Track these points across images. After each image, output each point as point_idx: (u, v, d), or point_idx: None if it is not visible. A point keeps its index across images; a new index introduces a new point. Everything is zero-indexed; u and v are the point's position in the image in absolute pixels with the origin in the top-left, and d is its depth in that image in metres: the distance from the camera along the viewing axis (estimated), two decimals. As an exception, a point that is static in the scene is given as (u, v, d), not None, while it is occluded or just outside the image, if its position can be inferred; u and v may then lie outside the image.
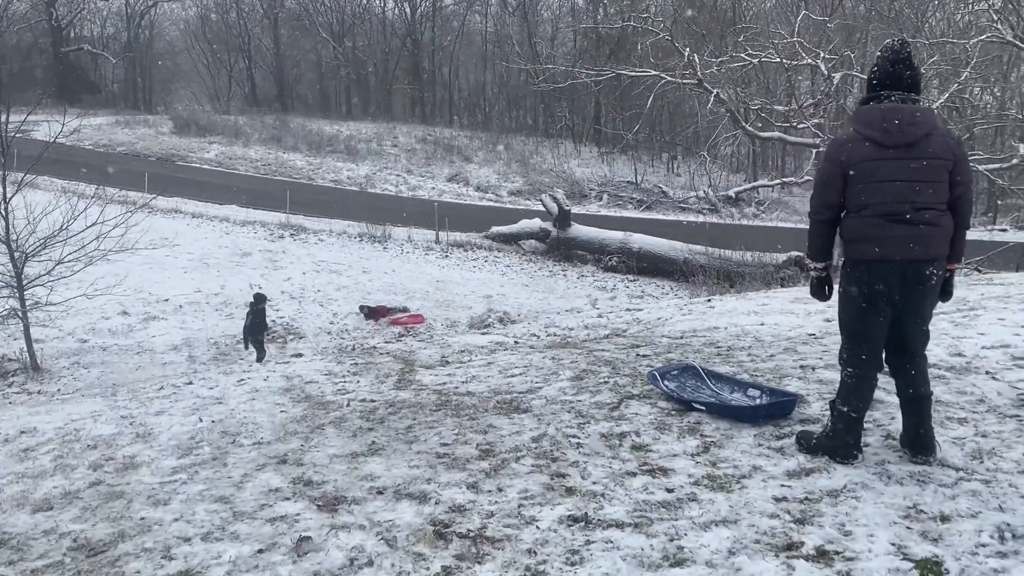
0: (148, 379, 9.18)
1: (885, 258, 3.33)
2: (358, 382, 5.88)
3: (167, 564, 3.10)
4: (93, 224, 11.42)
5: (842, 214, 3.47)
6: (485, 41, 49.78)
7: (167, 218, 21.05)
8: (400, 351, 7.40)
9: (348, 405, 5.17)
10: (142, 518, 3.55)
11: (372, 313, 14.04)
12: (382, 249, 20.33)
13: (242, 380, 6.47)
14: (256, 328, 11.87)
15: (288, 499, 3.62)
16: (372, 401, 5.24)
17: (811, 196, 3.59)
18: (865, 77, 3.58)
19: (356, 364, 6.65)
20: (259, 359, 11.55)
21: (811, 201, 3.56)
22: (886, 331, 3.48)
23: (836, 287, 3.64)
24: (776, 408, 4.28)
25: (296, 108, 46.25)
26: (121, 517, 3.58)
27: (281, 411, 5.21)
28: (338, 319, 14.14)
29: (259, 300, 12.11)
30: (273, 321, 13.49)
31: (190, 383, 6.62)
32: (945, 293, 3.51)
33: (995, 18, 24.22)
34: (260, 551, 3.13)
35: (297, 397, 5.58)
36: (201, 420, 5.12)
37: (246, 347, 11.91)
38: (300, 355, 10.91)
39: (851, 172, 3.35)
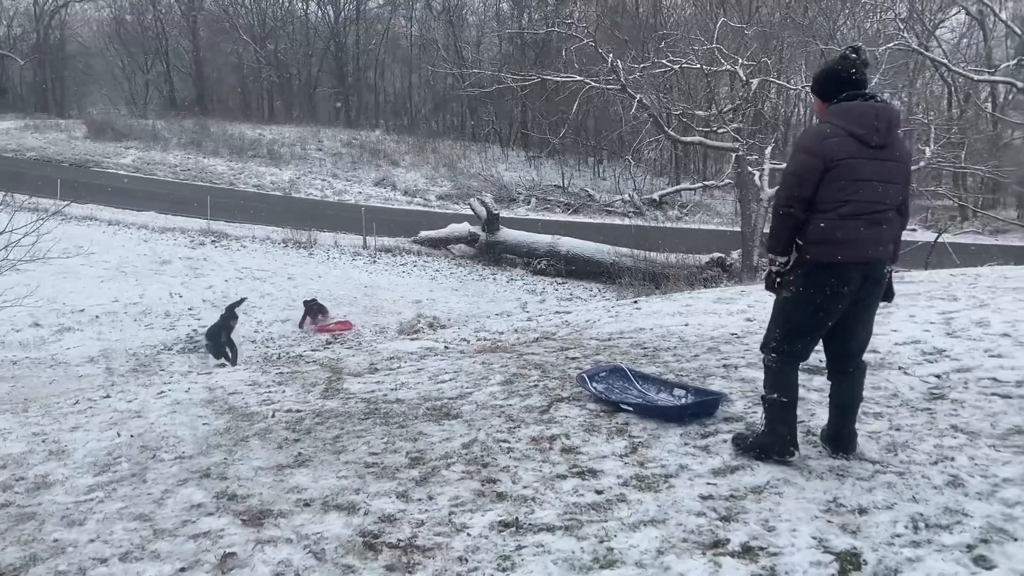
0: (62, 393, 8.78)
1: (856, 260, 3.31)
2: (283, 392, 5.76)
3: (83, 587, 2.98)
4: (1, 232, 10.89)
5: (810, 213, 3.35)
6: (411, 45, 49.51)
7: (82, 226, 20.24)
8: (327, 359, 7.29)
9: (273, 416, 5.06)
10: (55, 540, 3.39)
11: (313, 311, 13.84)
12: (308, 255, 20.00)
13: (162, 392, 6.26)
14: (222, 332, 11.89)
15: (211, 514, 3.52)
16: (298, 411, 5.14)
17: (779, 189, 3.46)
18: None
19: (281, 373, 6.51)
20: (226, 358, 11.64)
21: (779, 194, 3.43)
22: (825, 330, 3.48)
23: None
24: (701, 407, 4.36)
25: (217, 112, 45.07)
26: (33, 540, 3.42)
27: (204, 424, 5.07)
28: (263, 327, 13.83)
29: (232, 316, 12.16)
30: (195, 331, 13.12)
31: (107, 397, 6.37)
32: (889, 292, 3.57)
33: (901, 27, 25.31)
34: (182, 570, 3.02)
35: (220, 409, 5.43)
36: (119, 435, 4.94)
37: (217, 355, 11.77)
38: (223, 365, 10.64)
39: (831, 168, 3.26)
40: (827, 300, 3.35)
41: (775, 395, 3.53)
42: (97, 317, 13.88)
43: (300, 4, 49.98)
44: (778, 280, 3.44)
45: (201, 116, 41.86)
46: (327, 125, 43.51)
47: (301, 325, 13.84)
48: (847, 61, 3.40)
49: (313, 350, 11.40)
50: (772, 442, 3.56)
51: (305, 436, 4.57)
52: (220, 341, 11.76)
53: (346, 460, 4.08)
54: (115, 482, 4.06)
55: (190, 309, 14.30)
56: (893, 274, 3.56)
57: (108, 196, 24.05)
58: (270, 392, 5.81)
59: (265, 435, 4.65)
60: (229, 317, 12.04)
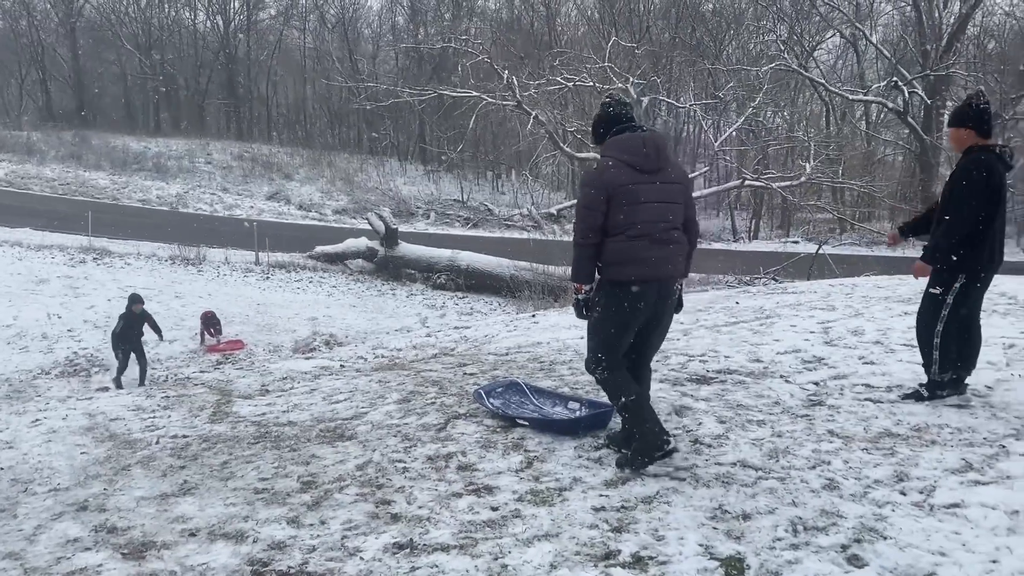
0: (-76, 425, 8.18)
1: (648, 278, 3.61)
2: (169, 417, 5.54)
3: (-58, 636, 2.77)
4: None
5: (602, 239, 3.65)
6: (304, 56, 48.65)
7: (-53, 244, 18.96)
8: (216, 381, 7.06)
9: (157, 442, 4.85)
10: (-89, 586, 3.16)
11: (211, 323, 13.38)
12: (196, 272, 19.29)
13: (37, 420, 5.92)
14: (130, 336, 11.03)
15: (89, 549, 3.34)
16: (184, 437, 4.95)
17: (574, 224, 3.74)
18: (597, 122, 3.86)
19: (167, 397, 6.26)
20: (142, 375, 11.00)
21: (575, 228, 3.70)
22: (630, 341, 3.80)
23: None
24: (595, 419, 4.44)
25: (98, 124, 43.01)
26: None
27: (82, 452, 4.81)
28: (148, 348, 13.25)
29: (133, 301, 11.19)
30: (75, 353, 12.45)
31: (-26, 427, 5.97)
32: (679, 304, 3.93)
33: (782, 48, 26.65)
34: (55, 611, 2.86)
35: (100, 436, 5.17)
36: (-14, 468, 4.63)
37: (120, 361, 10.99)
38: (106, 389, 10.12)
39: (614, 196, 3.56)
40: (627, 315, 3.66)
41: (623, 399, 3.73)
42: (-35, 341, 12.99)
43: (188, 13, 48.44)
44: (584, 307, 3.79)
45: (81, 128, 39.85)
46: (217, 137, 42.21)
47: (202, 340, 13.42)
48: (606, 107, 3.81)
49: (202, 371, 11.02)
50: (647, 443, 3.68)
51: (191, 463, 4.40)
52: (114, 347, 11.13)
53: (234, 487, 3.95)
54: (-19, 520, 3.80)
55: (70, 330, 13.56)
56: (682, 289, 3.93)
57: (-23, 212, 22.60)
58: (155, 417, 5.58)
59: (148, 463, 4.45)
60: (129, 316, 11.09)
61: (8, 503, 4.01)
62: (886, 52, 30.44)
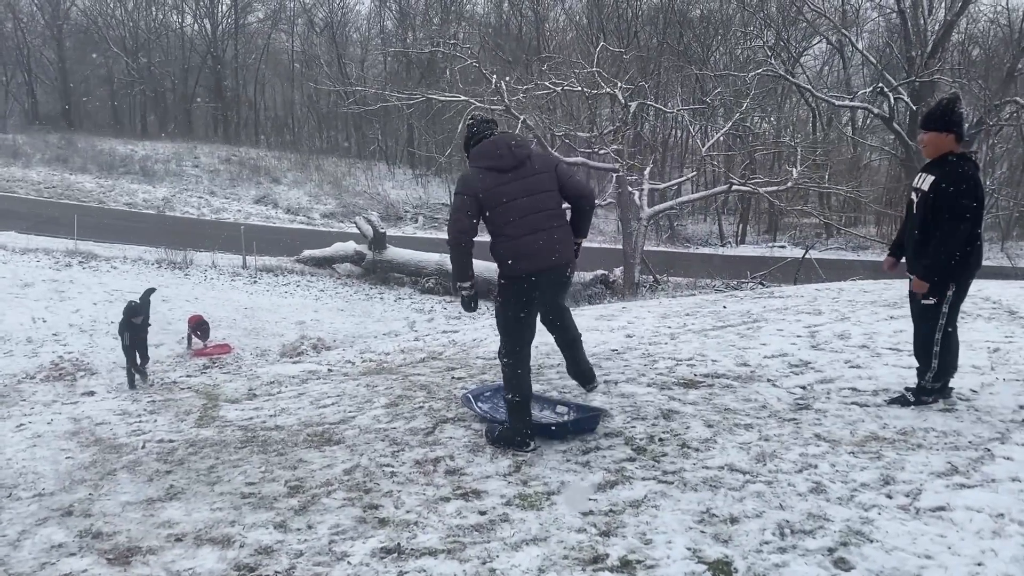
0: (-94, 430, 8.10)
1: (536, 270, 4.00)
2: (155, 421, 5.50)
3: (-76, 643, 2.74)
4: None
5: (490, 239, 4.08)
6: (292, 60, 48.59)
7: (-70, 247, 18.80)
8: (203, 385, 7.01)
9: (143, 447, 4.82)
10: None
11: (199, 327, 13.26)
12: (183, 276, 19.18)
13: (22, 425, 5.87)
14: (140, 344, 10.61)
15: (73, 555, 3.32)
16: (171, 441, 4.92)
17: (448, 228, 4.09)
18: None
19: (153, 401, 6.22)
20: (142, 374, 10.63)
21: (449, 232, 4.05)
22: (535, 324, 4.22)
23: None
24: (582, 423, 4.44)
25: (84, 126, 42.78)
26: None
27: (67, 457, 4.78)
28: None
29: (134, 312, 10.52)
30: (60, 357, 12.36)
31: (-43, 432, 5.91)
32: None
33: (769, 54, 26.78)
34: (39, 617, 2.84)
35: (86, 441, 5.13)
36: (-31, 474, 4.59)
37: (135, 371, 10.53)
38: (92, 393, 10.04)
39: (482, 198, 3.94)
40: (523, 305, 4.08)
41: (510, 395, 4.16)
42: (-52, 345, 12.88)
43: (175, 16, 48.25)
44: (471, 301, 4.21)
45: (67, 131, 39.62)
46: (204, 141, 42.06)
47: (189, 344, 13.32)
48: (470, 125, 4.28)
49: (188, 376, 10.94)
50: (512, 436, 4.18)
51: (178, 467, 4.37)
52: (123, 344, 10.60)
53: (221, 491, 3.92)
54: (-36, 525, 3.77)
55: (55, 334, 13.46)
56: (574, 271, 4.33)
57: (-39, 215, 22.42)
58: (141, 422, 5.54)
59: (134, 468, 4.42)
60: (132, 314, 10.52)
61: (-8, 508, 3.97)
62: (872, 58, 30.65)
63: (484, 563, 2.98)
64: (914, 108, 26.11)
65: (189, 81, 47.48)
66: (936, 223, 4.15)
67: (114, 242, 21.79)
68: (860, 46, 31.31)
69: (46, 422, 5.85)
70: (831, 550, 2.92)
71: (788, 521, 3.16)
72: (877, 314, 7.25)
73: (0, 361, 12.35)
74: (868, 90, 28.24)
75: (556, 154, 4.06)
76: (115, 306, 15.57)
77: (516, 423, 4.16)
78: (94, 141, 37.22)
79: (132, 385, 10.29)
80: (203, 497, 3.86)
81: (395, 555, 3.09)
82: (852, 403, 4.64)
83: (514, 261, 3.99)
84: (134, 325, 10.49)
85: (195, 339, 13.31)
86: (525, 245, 3.96)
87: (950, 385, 4.50)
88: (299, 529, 3.40)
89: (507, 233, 3.97)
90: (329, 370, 7.41)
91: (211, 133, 45.86)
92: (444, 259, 20.90)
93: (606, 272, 20.30)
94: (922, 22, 29.05)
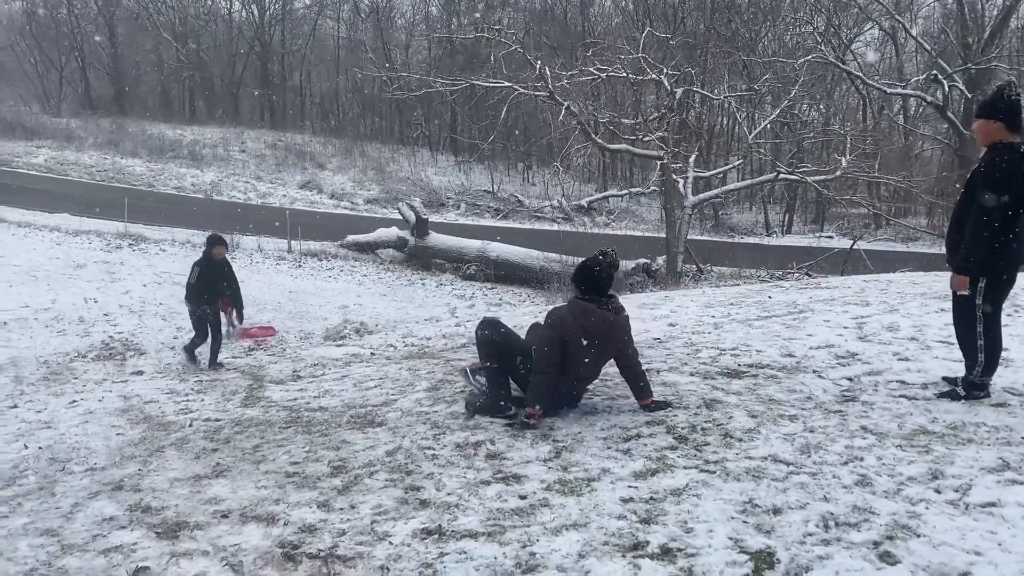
0: (-35, 404, 8.38)
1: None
2: (202, 400, 5.62)
3: (-17, 608, 2.84)
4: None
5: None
6: (338, 46, 48.89)
7: (-12, 228, 19.36)
8: (248, 366, 7.15)
9: (191, 425, 4.93)
10: (-46, 559, 3.23)
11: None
12: (230, 259, 19.51)
13: (74, 402, 6.05)
14: (215, 291, 8.50)
15: (124, 527, 3.40)
16: (217, 420, 5.02)
17: (537, 356, 4.40)
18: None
19: (201, 381, 6.35)
20: (213, 353, 8.46)
21: (537, 361, 4.38)
22: None
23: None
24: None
25: (135, 111, 43.60)
26: (-71, 559, 3.25)
27: (117, 434, 4.90)
28: (182, 334, 13.40)
29: (213, 242, 8.64)
30: (111, 337, 12.66)
31: (14, 407, 6.10)
32: None
33: (819, 40, 26.24)
34: (91, 586, 2.92)
35: (135, 418, 5.26)
36: (27, 447, 4.74)
37: (196, 322, 8.59)
38: (140, 373, 10.27)
39: (567, 340, 4.38)
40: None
41: (489, 363, 4.61)
42: (5, 323, 13.26)
43: (223, 3, 48.88)
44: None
45: (119, 115, 40.45)
46: (251, 126, 42.62)
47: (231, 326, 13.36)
48: (593, 267, 4.51)
49: (234, 357, 11.14)
50: (495, 403, 4.58)
51: (224, 445, 4.46)
52: (191, 304, 8.59)
53: (266, 470, 3.99)
54: (21, 496, 3.89)
55: (106, 315, 13.79)
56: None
57: (18, 197, 23.02)
58: (188, 401, 5.66)
59: (182, 445, 4.52)
60: (208, 263, 8.47)
61: (46, 481, 4.09)
62: (926, 45, 29.85)
63: (524, 547, 2.99)
64: (969, 96, 25.41)
65: (237, 67, 48.08)
66: (969, 216, 4.08)
67: (163, 225, 22.22)
68: (914, 32, 30.51)
69: (98, 399, 6.01)
70: (876, 544, 2.87)
71: (832, 513, 3.12)
72: (927, 306, 7.09)
73: (54, 340, 12.69)
74: (921, 77, 27.55)
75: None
76: (163, 288, 15.92)
77: (495, 389, 4.60)
78: (144, 126, 37.92)
79: (192, 357, 8.58)
80: (248, 475, 3.93)
81: (436, 536, 3.11)
82: (900, 396, 4.55)
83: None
84: (212, 259, 8.45)
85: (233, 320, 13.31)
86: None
87: (991, 382, 4.39)
88: (342, 508, 3.44)
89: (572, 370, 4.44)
90: (372, 354, 7.49)
91: (258, 119, 46.43)
92: (485, 246, 20.96)
93: (648, 261, 20.16)
94: (979, 7, 28.22)
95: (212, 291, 8.48)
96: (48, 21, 46.94)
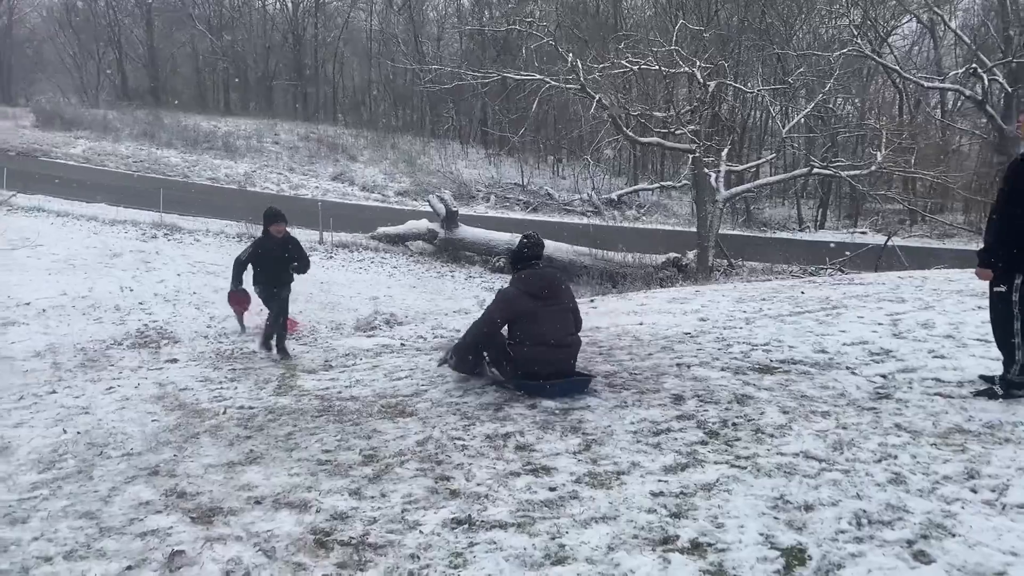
0: (6, 389, 8.56)
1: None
2: (236, 388, 5.69)
3: (25, 587, 2.91)
4: (-58, 223, 10.54)
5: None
6: (370, 39, 49.06)
7: (28, 217, 19.70)
8: (281, 355, 7.21)
9: (225, 412, 5.00)
10: (-3, 538, 3.31)
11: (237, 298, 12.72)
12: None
13: (111, 388, 6.15)
14: (272, 273, 7.34)
15: (160, 512, 3.46)
16: (251, 408, 5.08)
17: (478, 322, 5.25)
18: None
19: (234, 369, 6.44)
20: (268, 325, 7.46)
21: (479, 323, 5.24)
22: None
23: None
24: (566, 386, 4.89)
25: (170, 103, 44.16)
26: (-27, 539, 3.33)
27: (153, 420, 4.98)
28: (216, 322, 13.55)
29: (270, 219, 7.38)
30: (146, 325, 12.85)
31: (53, 392, 6.23)
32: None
33: (855, 33, 25.82)
34: (129, 568, 2.97)
35: (170, 405, 5.35)
36: (65, 431, 4.83)
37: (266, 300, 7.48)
38: (175, 360, 10.42)
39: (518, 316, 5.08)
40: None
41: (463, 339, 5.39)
42: (44, 310, 13.52)
43: (258, -5, 49.28)
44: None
45: (155, 107, 41.00)
46: (284, 118, 42.97)
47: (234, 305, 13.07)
48: (523, 245, 5.30)
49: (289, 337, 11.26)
50: (461, 364, 5.35)
51: (257, 433, 4.52)
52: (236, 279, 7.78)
53: (298, 457, 4.04)
54: (60, 479, 3.97)
55: (141, 303, 13.99)
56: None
57: (56, 187, 23.45)
58: (222, 388, 5.74)
59: (216, 432, 4.59)
60: (267, 243, 7.35)
61: (85, 465, 4.17)
62: (965, 38, 29.25)
63: (553, 538, 3.00)
64: (1009, 90, 24.88)
65: (270, 59, 48.47)
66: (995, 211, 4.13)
67: (197, 215, 22.51)
68: (953, 25, 29.91)
69: (133, 386, 6.12)
70: (910, 542, 2.84)
71: (865, 511, 3.09)
72: (964, 303, 6.98)
73: (90, 327, 12.91)
74: (960, 71, 26.99)
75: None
76: (197, 277, 16.13)
77: (462, 353, 5.31)
78: (179, 117, 38.38)
79: (267, 345, 7.58)
80: (281, 462, 3.98)
81: (466, 526, 3.14)
82: (935, 394, 4.49)
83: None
84: (271, 238, 7.30)
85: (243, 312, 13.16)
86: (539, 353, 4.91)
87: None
88: (373, 497, 3.47)
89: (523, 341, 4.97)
90: (402, 344, 7.53)
91: (291, 111, 46.81)
92: (514, 240, 20.98)
93: (679, 255, 20.04)
94: (1022, -1, 27.58)
95: (277, 271, 7.37)
96: (87, 13, 47.69)
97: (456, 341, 5.66)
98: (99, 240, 18.30)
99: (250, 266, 7.44)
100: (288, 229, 7.45)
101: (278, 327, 7.40)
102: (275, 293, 7.36)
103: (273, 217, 7.31)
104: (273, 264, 7.28)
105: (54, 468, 4.16)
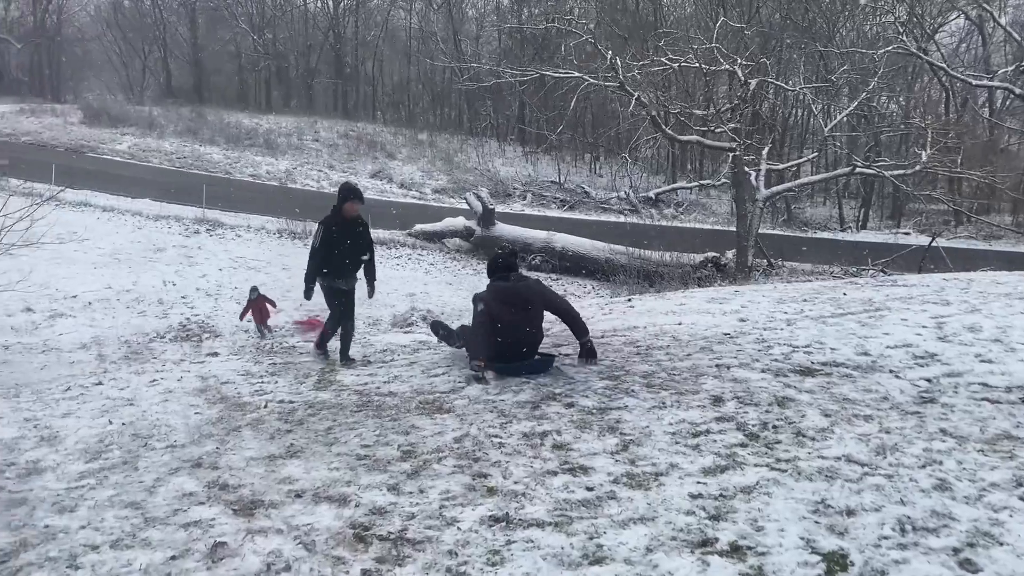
0: (54, 379, 8.77)
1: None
2: (276, 382, 5.77)
3: (73, 574, 2.98)
4: (-6, 216, 10.82)
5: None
6: (409, 37, 49.37)
7: (76, 211, 20.16)
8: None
9: (266, 406, 5.07)
10: (46, 526, 3.39)
11: (255, 304, 12.68)
12: (303, 246, 19.89)
13: (155, 381, 6.27)
14: (346, 260, 6.56)
15: (203, 503, 3.53)
16: (291, 402, 5.15)
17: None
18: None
19: (274, 364, 6.52)
20: (344, 343, 6.74)
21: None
22: None
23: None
24: (536, 364, 5.55)
25: (213, 100, 44.88)
26: (23, 525, 3.42)
27: (196, 413, 5.07)
28: (271, 317, 13.79)
29: (347, 194, 6.58)
30: (188, 319, 13.07)
31: (99, 384, 6.37)
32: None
33: (900, 30, 25.34)
34: (173, 558, 3.03)
35: (213, 398, 5.43)
36: (111, 422, 4.94)
37: (329, 301, 6.78)
38: (216, 354, 10.58)
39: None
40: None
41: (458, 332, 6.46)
42: (90, 303, 13.84)
43: (299, -6, 49.82)
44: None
45: (198, 104, 41.70)
46: (324, 116, 43.40)
47: (242, 317, 13.11)
48: (496, 257, 6.15)
49: (307, 341, 11.39)
50: (448, 339, 6.69)
51: (297, 427, 4.57)
52: (310, 278, 6.81)
53: (338, 452, 4.08)
54: (106, 469, 4.06)
55: (183, 297, 14.27)
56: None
57: (103, 182, 23.93)
58: (263, 382, 5.82)
59: (257, 425, 4.65)
60: (339, 221, 6.53)
61: (130, 456, 4.26)
62: (1015, 35, 28.55)
63: (591, 538, 2.99)
64: (1062, 89, 24.21)
65: (311, 57, 49.02)
66: None
67: (239, 211, 22.83)
68: (1003, 21, 29.20)
69: (176, 379, 6.23)
70: (956, 550, 2.79)
71: (909, 517, 3.04)
72: (1012, 307, 6.81)
73: (134, 320, 13.18)
74: (1010, 69, 26.33)
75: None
76: (238, 272, 16.38)
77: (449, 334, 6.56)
78: (222, 114, 38.99)
79: (325, 352, 7.04)
80: (321, 456, 4.03)
81: (503, 524, 3.14)
82: (982, 399, 4.39)
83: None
84: (343, 218, 6.51)
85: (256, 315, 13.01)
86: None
87: None
88: (411, 492, 3.50)
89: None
90: (438, 341, 7.56)
91: (331, 108, 47.25)
92: (551, 237, 20.97)
93: (718, 254, 19.86)
94: (1076, -5, 26.81)
95: (343, 259, 6.53)
96: (133, 12, 48.67)
97: (456, 328, 6.74)
98: (143, 235, 18.66)
99: None
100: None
101: (346, 332, 6.76)
102: (339, 289, 6.60)
103: (350, 192, 6.48)
104: (342, 250, 6.46)
105: (100, 458, 4.26)
